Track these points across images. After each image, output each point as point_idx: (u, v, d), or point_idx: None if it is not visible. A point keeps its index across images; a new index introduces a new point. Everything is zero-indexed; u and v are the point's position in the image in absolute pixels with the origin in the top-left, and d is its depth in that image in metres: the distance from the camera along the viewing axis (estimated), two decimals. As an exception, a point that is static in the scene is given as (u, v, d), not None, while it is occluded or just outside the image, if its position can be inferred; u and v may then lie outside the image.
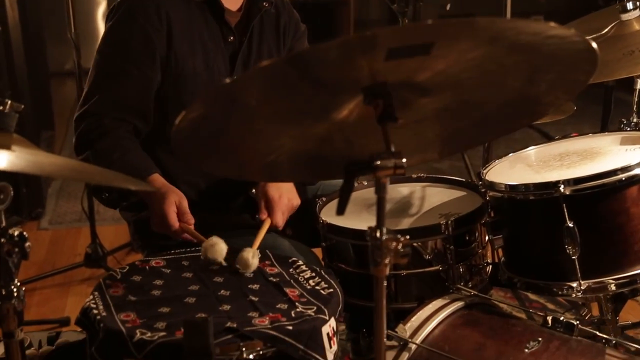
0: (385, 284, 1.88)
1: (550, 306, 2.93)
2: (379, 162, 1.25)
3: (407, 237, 1.27)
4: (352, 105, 1.32)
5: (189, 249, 1.90)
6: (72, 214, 4.12)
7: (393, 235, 1.26)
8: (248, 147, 1.42)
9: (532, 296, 2.95)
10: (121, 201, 2.13)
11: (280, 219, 1.99)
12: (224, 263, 1.77)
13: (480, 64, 1.24)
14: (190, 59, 2.04)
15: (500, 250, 1.98)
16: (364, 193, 2.24)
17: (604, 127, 2.67)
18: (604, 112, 2.67)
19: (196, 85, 2.05)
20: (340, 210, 1.28)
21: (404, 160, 1.25)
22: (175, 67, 2.03)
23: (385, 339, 1.34)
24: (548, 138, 2.18)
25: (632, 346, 1.80)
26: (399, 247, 1.27)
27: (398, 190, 2.25)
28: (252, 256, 1.79)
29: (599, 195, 1.73)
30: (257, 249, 1.85)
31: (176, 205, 1.91)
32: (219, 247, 1.78)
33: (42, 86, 4.82)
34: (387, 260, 1.26)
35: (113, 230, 3.79)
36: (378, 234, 1.26)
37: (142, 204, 2.04)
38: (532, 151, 2.06)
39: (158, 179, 1.97)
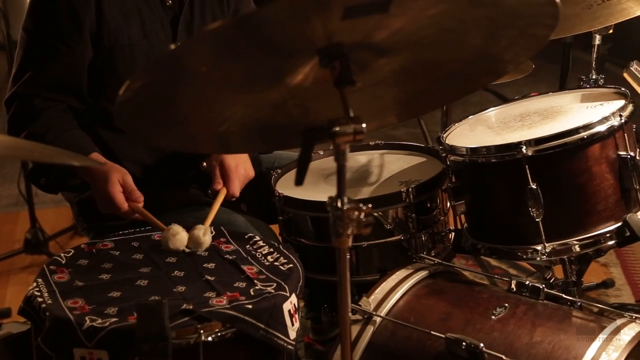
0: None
1: (513, 272, 2.98)
2: (338, 128, 1.23)
3: (370, 205, 1.26)
4: (307, 69, 1.30)
5: (138, 229, 1.86)
6: (7, 197, 4.01)
7: (355, 204, 1.25)
8: (198, 117, 1.39)
9: (494, 262, 2.99)
10: (61, 185, 2.07)
11: (237, 188, 1.96)
12: (186, 250, 1.73)
13: (439, 21, 1.23)
14: (124, 29, 1.99)
15: (462, 217, 1.98)
16: (320, 163, 2.23)
17: (562, 85, 2.70)
18: (562, 70, 2.69)
19: (133, 56, 2.00)
20: (299, 181, 1.26)
21: (364, 125, 1.24)
22: (108, 39, 1.97)
23: (349, 314, 1.33)
24: (504, 100, 2.19)
25: (596, 306, 1.84)
26: (362, 216, 1.26)
27: (356, 159, 2.24)
28: (203, 233, 1.76)
29: (562, 155, 1.75)
30: (211, 225, 1.83)
31: (120, 183, 1.87)
32: (181, 237, 1.73)
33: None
34: (349, 231, 1.25)
35: (54, 213, 3.71)
36: (339, 204, 1.25)
37: (85, 184, 1.99)
38: (492, 113, 2.08)
39: (98, 157, 1.92)
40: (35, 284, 1.60)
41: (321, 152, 2.26)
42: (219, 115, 1.37)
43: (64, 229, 3.50)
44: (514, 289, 1.72)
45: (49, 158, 1.66)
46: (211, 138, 1.49)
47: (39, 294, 1.56)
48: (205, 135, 1.47)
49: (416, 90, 1.47)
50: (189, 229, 1.80)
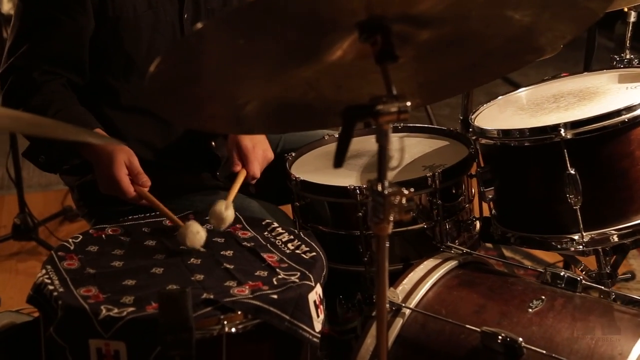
0: (365, 245, 1.90)
1: (528, 262, 2.97)
2: (381, 107, 1.21)
3: (412, 190, 1.24)
4: (346, 45, 1.27)
5: (147, 214, 1.84)
6: (-8, 180, 3.97)
7: (397, 188, 1.23)
8: (224, 95, 1.36)
9: (507, 252, 2.99)
10: (61, 164, 2.02)
11: (257, 169, 1.94)
12: (202, 250, 1.69)
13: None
14: (129, 0, 1.95)
15: (491, 204, 1.97)
16: (333, 147, 2.20)
17: (587, 68, 2.68)
18: (587, 52, 2.68)
19: (139, 28, 1.97)
20: (338, 163, 1.24)
21: (408, 104, 1.22)
22: (112, 10, 1.94)
23: (387, 305, 1.32)
24: (513, 85, 2.17)
25: (635, 298, 1.83)
26: (403, 201, 1.24)
27: (374, 142, 2.21)
28: (225, 208, 1.74)
29: (602, 139, 1.73)
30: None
31: (126, 165, 1.84)
32: (201, 236, 1.68)
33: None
34: (391, 217, 1.23)
35: (41, 197, 3.68)
36: (380, 188, 1.23)
37: (87, 165, 1.95)
38: (522, 93, 2.06)
39: (101, 134, 1.87)
40: (44, 271, 1.57)
41: (336, 135, 2.24)
42: (247, 93, 1.35)
43: (53, 214, 3.48)
44: (549, 281, 1.71)
45: (52, 133, 1.62)
46: (234, 118, 1.46)
47: (49, 281, 1.53)
48: (228, 114, 1.45)
49: (457, 67, 1.45)
50: (201, 215, 1.78)
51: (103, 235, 1.74)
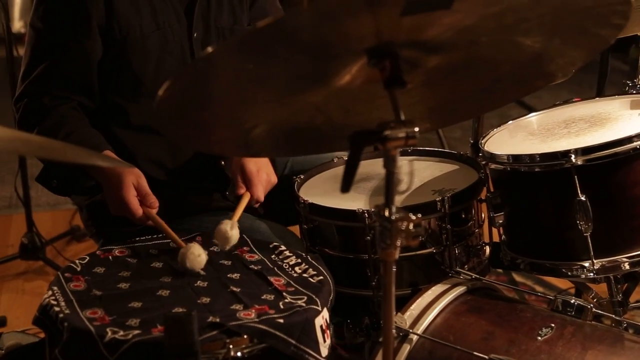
0: (373, 270, 1.90)
1: (539, 288, 2.96)
2: (388, 133, 1.22)
3: (419, 215, 1.25)
4: (354, 70, 1.28)
5: (155, 236, 1.85)
6: (1, 199, 3.99)
7: (404, 214, 1.24)
8: (232, 119, 1.37)
9: (518, 278, 2.98)
10: (74, 187, 2.06)
11: (261, 193, 1.96)
12: (202, 273, 1.70)
13: (499, 17, 1.22)
14: (135, 21, 1.98)
15: (500, 229, 1.97)
16: (342, 170, 2.21)
17: (599, 93, 2.69)
18: (600, 76, 2.69)
19: (146, 49, 1.99)
20: (345, 187, 1.25)
21: (416, 129, 1.23)
22: (119, 32, 1.97)
23: (393, 331, 1.32)
24: (526, 108, 2.18)
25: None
26: (411, 227, 1.24)
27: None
28: (230, 227, 1.75)
29: (613, 165, 1.73)
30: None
31: (135, 186, 1.85)
32: (202, 259, 1.70)
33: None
34: (398, 242, 1.24)
35: (49, 217, 3.70)
36: (387, 213, 1.24)
37: (96, 185, 1.97)
38: (533, 118, 2.06)
39: (110, 156, 1.90)
40: (50, 292, 1.58)
41: (345, 158, 2.24)
42: (255, 117, 1.36)
43: (61, 233, 3.49)
44: (559, 308, 1.71)
45: (62, 156, 1.64)
46: (242, 141, 1.48)
47: (55, 302, 1.54)
48: (236, 138, 1.46)
49: (467, 92, 1.46)
50: (208, 237, 1.79)
51: (110, 257, 1.76)
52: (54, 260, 3.26)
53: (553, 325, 1.63)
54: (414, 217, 1.25)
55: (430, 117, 1.51)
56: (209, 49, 1.18)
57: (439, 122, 1.53)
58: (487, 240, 2.07)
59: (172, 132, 1.33)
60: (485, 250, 2.05)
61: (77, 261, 1.72)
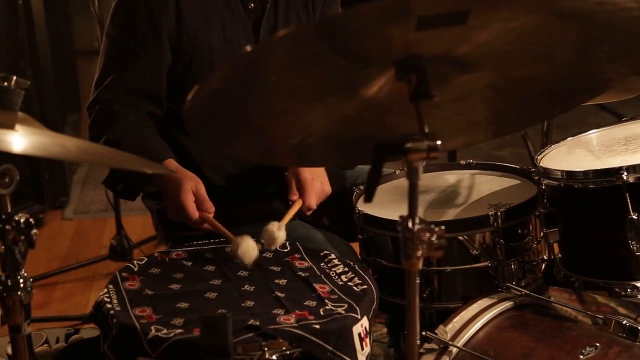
0: (425, 281, 1.90)
1: (622, 310, 2.87)
2: (410, 145, 1.23)
3: (442, 227, 1.26)
4: (383, 81, 1.31)
5: (212, 240, 1.92)
6: (98, 203, 4.19)
7: (426, 225, 1.25)
8: (270, 127, 1.42)
9: (600, 299, 2.89)
10: (138, 192, 2.15)
11: (314, 201, 1.98)
12: (250, 266, 1.75)
13: (525, 35, 1.22)
14: (204, 33, 2.05)
15: (556, 245, 1.94)
16: (403, 182, 2.22)
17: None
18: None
19: (213, 61, 2.05)
20: (368, 197, 1.27)
21: (439, 142, 1.24)
22: (188, 43, 2.04)
23: (417, 342, 1.33)
24: (618, 117, 2.13)
25: None
26: (433, 238, 1.26)
27: (444, 179, 2.23)
28: (277, 228, 1.79)
29: (668, 184, 1.68)
30: (291, 237, 1.85)
31: (193, 192, 1.92)
32: (253, 251, 1.74)
33: (68, 65, 4.90)
34: (419, 253, 1.25)
35: (140, 221, 3.84)
36: (410, 224, 1.26)
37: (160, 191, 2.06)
38: (593, 135, 2.02)
39: (172, 164, 1.98)
40: (106, 290, 1.67)
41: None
42: (291, 126, 1.40)
43: (150, 237, 3.62)
44: (610, 328, 1.67)
45: (119, 164, 1.74)
46: (285, 149, 1.52)
47: (108, 300, 1.63)
48: (279, 146, 1.51)
49: (505, 107, 1.45)
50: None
51: (167, 259, 1.83)
52: (132, 261, 3.38)
53: (598, 344, 1.59)
54: (436, 229, 1.26)
55: (469, 131, 1.52)
56: (248, 48, 1.21)
57: (477, 137, 1.53)
58: (546, 256, 2.04)
59: (207, 137, 1.39)
60: (542, 266, 2.02)
61: (135, 262, 1.81)
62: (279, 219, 2.10)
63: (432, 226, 1.25)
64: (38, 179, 3.94)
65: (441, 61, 1.29)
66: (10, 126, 1.28)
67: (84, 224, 4.01)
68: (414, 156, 1.24)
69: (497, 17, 1.16)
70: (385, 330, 2.76)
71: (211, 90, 1.25)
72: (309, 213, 2.00)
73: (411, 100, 1.27)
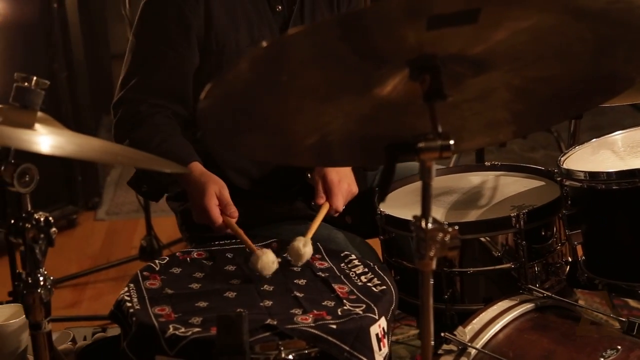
0: (447, 283, 1.89)
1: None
2: (423, 144, 1.23)
3: (456, 227, 1.25)
4: (397, 81, 1.30)
5: (234, 240, 1.92)
6: (130, 204, 4.23)
7: (439, 225, 1.25)
8: (286, 126, 1.42)
9: (633, 303, 2.85)
10: (162, 193, 2.16)
11: (341, 203, 1.97)
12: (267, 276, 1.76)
13: (539, 34, 1.21)
14: (232, 34, 2.04)
15: (579, 248, 1.91)
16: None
17: None
18: None
19: None
20: (381, 197, 1.28)
21: (452, 142, 1.23)
22: (216, 44, 2.03)
23: (432, 342, 1.32)
24: None
25: None
26: (446, 238, 1.25)
27: (468, 180, 2.22)
28: (303, 245, 1.79)
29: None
30: (311, 238, 1.85)
31: (217, 196, 1.92)
32: (273, 266, 1.75)
33: (102, 68, 4.95)
34: (432, 253, 1.25)
35: (170, 222, 3.83)
36: (423, 224, 1.25)
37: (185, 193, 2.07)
38: (619, 136, 1.99)
39: (197, 167, 1.97)
40: (126, 289, 1.69)
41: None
42: (308, 125, 1.40)
43: (179, 238, 3.65)
44: (633, 331, 1.64)
45: (142, 164, 1.76)
46: (302, 149, 1.52)
47: (128, 299, 1.64)
48: (296, 146, 1.51)
49: (523, 107, 1.44)
50: (286, 243, 1.84)
51: (188, 259, 1.85)
52: (154, 260, 3.41)
53: (619, 347, 1.57)
54: (449, 229, 1.25)
55: (488, 131, 1.50)
56: (264, 43, 1.19)
57: (496, 137, 1.51)
58: (571, 258, 2.01)
59: (221, 139, 1.39)
60: (566, 269, 1.99)
61: (157, 261, 1.83)
62: (302, 219, 2.11)
63: (446, 226, 1.24)
64: (72, 181, 3.99)
65: (455, 61, 1.28)
66: (29, 126, 1.30)
67: (116, 225, 4.06)
68: (427, 156, 1.23)
69: (509, 16, 1.15)
70: (411, 332, 2.75)
71: (225, 89, 1.25)
72: (336, 215, 1.99)
73: (425, 100, 1.27)
